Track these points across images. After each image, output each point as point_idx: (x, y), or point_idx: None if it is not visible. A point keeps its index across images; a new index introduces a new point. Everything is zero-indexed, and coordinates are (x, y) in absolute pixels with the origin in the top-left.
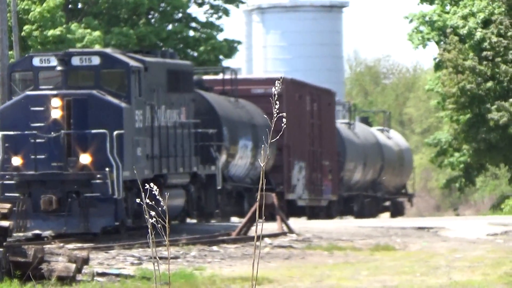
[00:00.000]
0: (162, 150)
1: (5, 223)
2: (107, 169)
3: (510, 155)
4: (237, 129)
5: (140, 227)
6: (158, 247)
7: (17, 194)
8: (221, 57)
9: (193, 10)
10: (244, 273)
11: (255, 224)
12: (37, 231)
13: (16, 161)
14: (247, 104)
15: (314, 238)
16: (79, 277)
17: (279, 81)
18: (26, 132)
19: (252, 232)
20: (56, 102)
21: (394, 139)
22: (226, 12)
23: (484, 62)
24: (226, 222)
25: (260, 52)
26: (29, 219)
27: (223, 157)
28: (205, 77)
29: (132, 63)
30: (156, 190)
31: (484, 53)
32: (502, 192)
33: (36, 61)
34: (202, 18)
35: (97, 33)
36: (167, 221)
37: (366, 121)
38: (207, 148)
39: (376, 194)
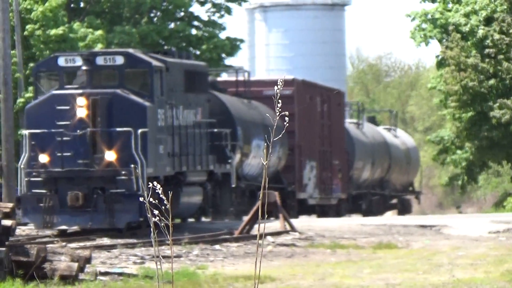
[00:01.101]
0: (181, 148)
1: (8, 222)
2: (132, 165)
3: None
4: (250, 129)
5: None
6: (160, 246)
7: (44, 191)
8: (223, 55)
9: (195, 8)
10: (247, 271)
11: (257, 222)
12: (63, 227)
13: (43, 158)
14: (259, 105)
15: (317, 236)
16: (81, 276)
17: (280, 82)
18: (52, 130)
19: (254, 230)
20: (81, 101)
21: (401, 138)
22: (228, 11)
23: (487, 60)
24: (239, 220)
25: (262, 50)
26: (55, 215)
27: (237, 156)
28: (219, 78)
29: (155, 62)
30: (159, 188)
31: (487, 50)
32: (505, 189)
33: (61, 61)
34: (204, 16)
35: (99, 32)
36: (170, 220)
37: (373, 120)
38: (222, 147)
39: (384, 192)
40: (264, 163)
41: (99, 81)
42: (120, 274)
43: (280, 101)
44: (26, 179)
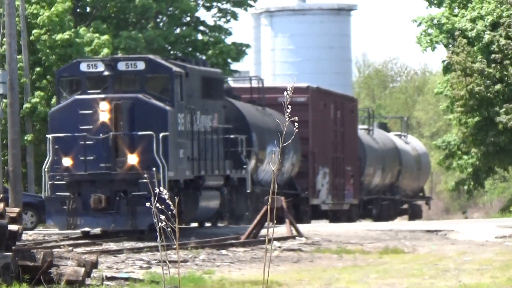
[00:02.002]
0: (200, 152)
1: (14, 227)
2: (154, 169)
3: None
4: (265, 136)
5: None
6: (167, 251)
7: (67, 193)
8: (229, 60)
9: (201, 13)
10: (253, 276)
11: (264, 227)
12: (86, 229)
13: (67, 162)
14: (273, 112)
15: (323, 241)
16: (88, 281)
17: (295, 90)
18: (75, 134)
19: (261, 235)
20: (104, 106)
21: (411, 144)
22: (234, 16)
23: (493, 65)
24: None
25: (268, 55)
26: (79, 217)
27: (252, 162)
28: (233, 85)
29: (175, 68)
30: (166, 194)
31: (493, 55)
32: (511, 194)
33: (83, 67)
34: (210, 21)
35: (105, 37)
36: (177, 224)
37: (385, 127)
38: (237, 153)
39: (394, 197)
40: (273, 169)
41: (120, 86)
42: (126, 279)
43: (291, 107)
44: (50, 182)
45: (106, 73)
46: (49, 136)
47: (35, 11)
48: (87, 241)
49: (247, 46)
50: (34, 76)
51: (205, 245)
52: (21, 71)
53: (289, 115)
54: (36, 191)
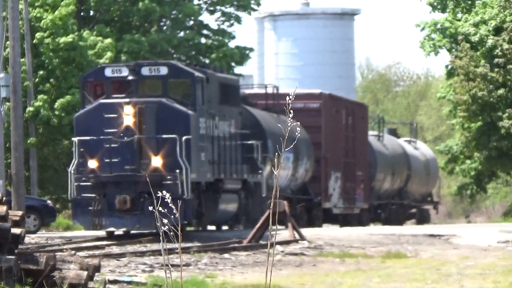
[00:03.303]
0: (219, 156)
1: (17, 230)
2: (177, 171)
3: None
4: (280, 142)
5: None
6: (169, 254)
7: (93, 195)
8: (232, 64)
9: (205, 17)
10: (256, 280)
11: (266, 231)
12: (111, 229)
13: (92, 164)
14: (287, 119)
15: (326, 245)
16: (90, 284)
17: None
18: (101, 137)
19: (263, 239)
20: (128, 109)
21: (420, 149)
22: (238, 20)
23: (496, 69)
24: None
25: (272, 59)
26: (104, 217)
27: (267, 168)
28: (249, 91)
29: (197, 73)
30: (169, 197)
31: (496, 60)
32: None
33: (108, 72)
34: (214, 25)
35: (108, 40)
36: (179, 228)
37: (394, 133)
38: (253, 159)
39: (403, 201)
40: (275, 173)
41: (144, 90)
42: (129, 282)
43: (304, 113)
44: (76, 183)
45: (130, 78)
46: (75, 139)
47: (38, 15)
48: (89, 244)
49: (251, 50)
50: (37, 80)
51: (208, 249)
52: (25, 75)
53: (295, 120)
54: (39, 194)
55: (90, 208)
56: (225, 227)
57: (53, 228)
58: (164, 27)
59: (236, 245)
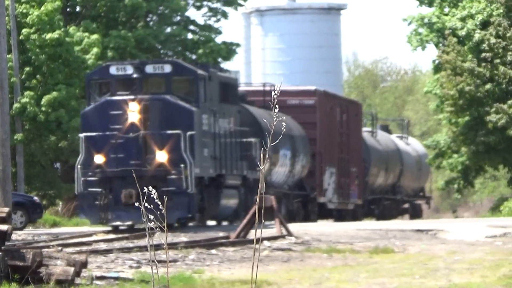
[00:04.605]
0: (221, 152)
1: (4, 227)
2: (182, 165)
3: (509, 157)
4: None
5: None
6: (157, 250)
7: (99, 189)
8: (219, 59)
9: (192, 13)
10: (243, 276)
11: (253, 227)
12: (118, 223)
13: (98, 159)
14: (285, 116)
15: (313, 241)
16: (77, 280)
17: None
18: (106, 133)
19: (251, 235)
20: (133, 106)
21: (412, 145)
22: (225, 15)
23: (483, 64)
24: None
25: (258, 55)
26: (110, 211)
27: (266, 165)
28: (247, 88)
29: (200, 71)
30: (155, 193)
31: (483, 54)
32: (501, 194)
33: (113, 70)
34: (201, 20)
35: (95, 36)
36: (165, 224)
37: (386, 129)
38: (252, 156)
39: (396, 197)
40: (261, 168)
41: (148, 88)
42: (116, 278)
43: (300, 109)
44: (82, 178)
45: (134, 75)
46: (81, 135)
47: (25, 11)
48: (76, 240)
49: (237, 45)
50: (24, 76)
51: (195, 245)
52: (11, 71)
53: (277, 115)
54: (25, 191)
55: (97, 202)
56: (225, 223)
57: (40, 225)
58: (151, 23)
59: (223, 240)
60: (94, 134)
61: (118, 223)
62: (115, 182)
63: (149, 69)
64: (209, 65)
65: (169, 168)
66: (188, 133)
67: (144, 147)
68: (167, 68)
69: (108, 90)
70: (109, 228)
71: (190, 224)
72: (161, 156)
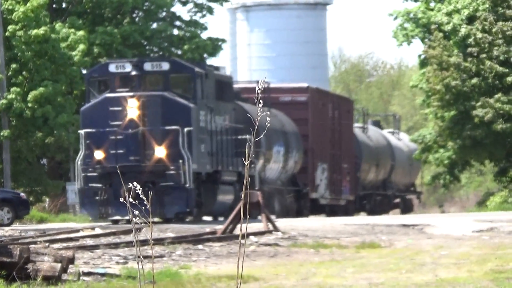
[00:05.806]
0: (217, 149)
1: None
2: (180, 161)
3: (495, 151)
4: (271, 137)
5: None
6: (143, 246)
7: (99, 185)
8: (205, 55)
9: (177, 8)
10: (230, 271)
11: (240, 222)
12: (117, 217)
13: (98, 155)
14: (278, 113)
15: (300, 236)
16: (64, 276)
17: (259, 88)
18: (106, 129)
19: (237, 230)
20: (132, 103)
21: (404, 140)
22: (210, 11)
23: (469, 59)
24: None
25: (244, 50)
26: (110, 206)
27: (260, 161)
28: (240, 85)
29: (197, 69)
30: (139, 189)
31: (469, 49)
32: (487, 188)
33: (112, 67)
34: (186, 16)
35: (81, 33)
36: (150, 220)
37: (378, 124)
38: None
39: (387, 192)
40: (246, 163)
41: (147, 85)
42: (103, 274)
43: (292, 106)
44: (83, 174)
45: (133, 73)
46: (82, 131)
47: (10, 7)
48: (63, 236)
49: (223, 41)
50: (10, 72)
51: (182, 241)
52: None
53: (261, 110)
54: (12, 187)
55: (97, 198)
56: (221, 219)
57: (27, 221)
58: (137, 19)
59: (210, 236)
60: (94, 130)
61: (118, 217)
62: (115, 178)
63: (147, 66)
64: (205, 64)
65: (167, 164)
66: (186, 129)
67: (143, 143)
68: (165, 66)
69: (108, 87)
70: (95, 224)
71: (187, 219)
72: (160, 152)
